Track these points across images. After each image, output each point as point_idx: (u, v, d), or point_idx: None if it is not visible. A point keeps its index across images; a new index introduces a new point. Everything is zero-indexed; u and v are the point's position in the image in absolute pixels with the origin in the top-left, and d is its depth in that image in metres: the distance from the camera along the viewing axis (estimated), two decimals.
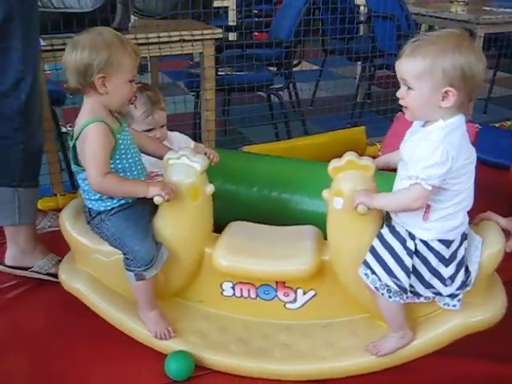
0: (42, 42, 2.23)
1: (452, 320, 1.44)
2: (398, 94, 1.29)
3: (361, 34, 4.44)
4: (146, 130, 1.78)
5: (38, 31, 1.80)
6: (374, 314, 1.54)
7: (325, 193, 1.45)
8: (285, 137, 3.14)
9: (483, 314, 1.45)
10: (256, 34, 4.21)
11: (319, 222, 1.64)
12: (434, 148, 1.22)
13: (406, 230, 1.35)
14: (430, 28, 4.31)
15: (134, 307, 1.58)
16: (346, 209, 1.40)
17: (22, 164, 1.78)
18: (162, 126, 1.84)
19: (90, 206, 1.54)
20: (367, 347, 1.49)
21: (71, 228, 1.61)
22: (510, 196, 1.52)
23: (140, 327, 1.58)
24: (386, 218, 1.43)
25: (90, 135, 1.43)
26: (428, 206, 1.30)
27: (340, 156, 1.43)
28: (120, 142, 1.48)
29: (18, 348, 1.65)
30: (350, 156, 1.42)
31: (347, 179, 1.41)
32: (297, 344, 1.56)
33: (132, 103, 1.55)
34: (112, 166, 1.47)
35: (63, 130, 2.85)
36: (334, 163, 1.42)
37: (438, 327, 1.46)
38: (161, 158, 1.56)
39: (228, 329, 1.61)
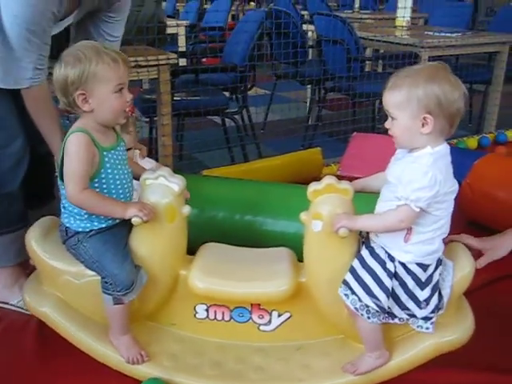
0: None
1: (426, 341, 1.48)
2: (386, 124, 1.36)
3: (309, 58, 4.57)
4: None
5: None
6: (349, 335, 1.56)
7: (303, 215, 1.47)
8: (240, 160, 3.15)
9: (454, 334, 1.49)
10: (204, 59, 4.24)
11: (288, 243, 1.66)
12: (425, 172, 1.27)
13: (386, 252, 1.39)
14: (375, 51, 4.49)
15: (105, 332, 1.54)
16: (325, 231, 1.42)
17: None
18: (129, 149, 1.73)
19: (67, 224, 1.48)
20: (344, 366, 1.51)
21: (39, 248, 1.55)
22: (463, 210, 1.59)
23: (112, 352, 1.54)
24: (364, 240, 1.46)
25: (69, 146, 1.39)
26: (410, 228, 1.34)
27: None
28: (106, 160, 1.43)
29: None
30: (329, 179, 1.44)
31: (326, 202, 1.43)
32: (272, 366, 1.55)
33: (131, 114, 1.47)
34: (96, 185, 1.43)
35: None
36: (314, 186, 1.44)
37: (412, 348, 1.49)
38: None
39: (202, 352, 1.59)
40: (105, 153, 1.43)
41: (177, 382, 1.51)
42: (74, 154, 1.38)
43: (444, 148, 1.34)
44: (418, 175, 1.28)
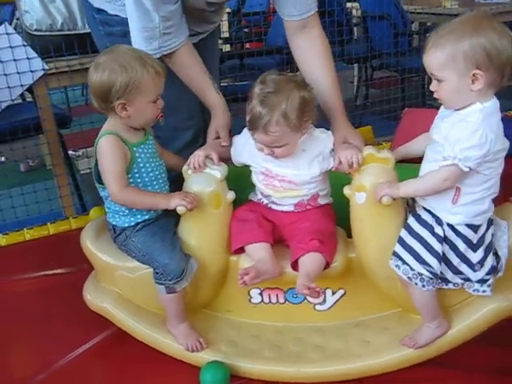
0: (46, 66, 2.27)
1: (486, 305, 1.43)
2: (431, 87, 1.29)
3: (354, 36, 4.48)
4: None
5: None
6: (405, 308, 1.52)
7: (346, 189, 1.45)
8: None
9: None
10: (247, 45, 4.24)
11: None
12: (474, 130, 1.21)
13: (433, 217, 1.35)
14: (421, 25, 4.35)
15: (163, 322, 1.57)
16: (369, 203, 1.40)
17: None
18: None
19: (114, 222, 1.53)
20: (403, 341, 1.47)
21: (93, 246, 1.61)
22: None
23: (171, 341, 1.57)
24: (410, 208, 1.43)
25: (101, 149, 1.43)
26: (458, 189, 1.30)
27: None
28: (137, 155, 1.47)
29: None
30: (368, 150, 1.43)
31: (368, 173, 1.41)
32: (331, 345, 1.54)
33: (158, 120, 1.49)
34: (131, 180, 1.47)
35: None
36: None
37: (472, 314, 1.44)
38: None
39: (259, 336, 1.59)
40: (134, 148, 1.47)
41: (237, 366, 1.52)
42: (107, 154, 1.43)
43: (494, 103, 1.27)
44: (467, 133, 1.22)
